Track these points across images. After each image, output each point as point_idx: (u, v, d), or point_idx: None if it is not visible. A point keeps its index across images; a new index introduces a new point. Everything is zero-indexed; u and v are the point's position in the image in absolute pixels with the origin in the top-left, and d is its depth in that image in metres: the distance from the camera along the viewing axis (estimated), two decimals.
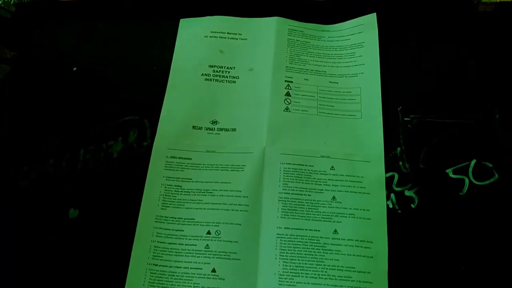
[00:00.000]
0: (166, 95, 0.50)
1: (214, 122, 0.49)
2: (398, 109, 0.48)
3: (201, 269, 0.42)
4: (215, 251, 0.42)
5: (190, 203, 0.45)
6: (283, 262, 0.41)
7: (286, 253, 0.42)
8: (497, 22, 0.53)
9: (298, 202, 0.44)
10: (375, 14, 0.52)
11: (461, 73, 0.50)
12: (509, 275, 0.42)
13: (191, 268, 0.42)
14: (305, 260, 0.41)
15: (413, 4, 0.53)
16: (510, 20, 0.53)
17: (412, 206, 0.43)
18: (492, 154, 0.45)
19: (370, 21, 0.52)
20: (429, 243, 0.43)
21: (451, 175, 0.44)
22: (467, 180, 0.44)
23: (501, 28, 0.52)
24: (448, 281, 0.42)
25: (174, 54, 0.53)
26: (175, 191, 0.45)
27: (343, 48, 0.53)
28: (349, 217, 0.43)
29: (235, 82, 0.51)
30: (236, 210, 0.44)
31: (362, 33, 0.52)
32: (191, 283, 0.41)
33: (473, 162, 0.45)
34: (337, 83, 0.51)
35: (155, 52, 0.54)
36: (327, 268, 0.41)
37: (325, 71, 0.52)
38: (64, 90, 0.52)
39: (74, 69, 0.54)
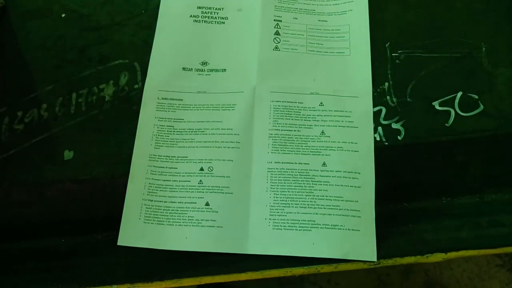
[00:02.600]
0: (155, 38, 0.50)
1: (204, 63, 0.49)
2: (386, 45, 0.49)
3: (195, 203, 0.43)
4: (208, 186, 0.44)
5: (183, 142, 0.46)
6: (274, 194, 0.43)
7: (277, 185, 0.43)
8: None
9: (288, 137, 0.45)
10: None
11: (450, 7, 0.50)
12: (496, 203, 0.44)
13: (185, 203, 0.43)
14: (295, 192, 0.43)
15: None
16: None
17: (399, 138, 0.44)
18: (478, 86, 0.46)
19: None
20: (415, 172, 0.45)
21: (437, 107, 0.45)
22: (453, 112, 0.45)
23: None
24: (432, 209, 0.45)
25: None
26: (167, 131, 0.46)
27: None
28: (337, 150, 0.44)
29: (224, 23, 0.51)
30: (228, 147, 0.45)
31: None
32: (186, 216, 0.43)
33: (459, 94, 0.46)
34: (326, 21, 0.51)
35: None
36: (316, 198, 0.43)
37: (314, 10, 0.51)
38: (54, 35, 0.52)
39: (63, 15, 0.53)
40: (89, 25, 0.53)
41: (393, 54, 0.48)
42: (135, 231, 0.42)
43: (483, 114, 0.45)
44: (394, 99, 0.46)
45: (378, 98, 0.46)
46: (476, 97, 0.45)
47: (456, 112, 0.45)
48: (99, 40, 0.52)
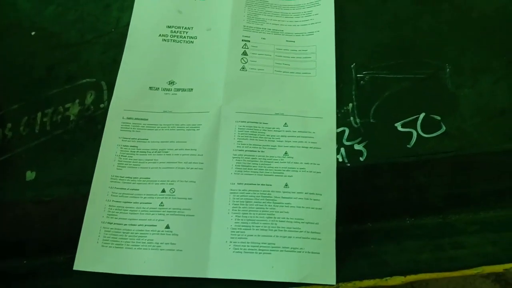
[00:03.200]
0: (123, 56, 0.50)
1: (171, 83, 0.49)
2: (352, 65, 0.49)
3: (155, 225, 0.43)
4: (169, 208, 0.44)
5: (146, 162, 0.46)
6: (236, 216, 0.43)
7: (239, 207, 0.43)
8: None
9: (252, 158, 0.45)
10: None
11: (415, 28, 0.51)
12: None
13: (145, 225, 0.43)
14: (257, 214, 0.43)
15: None
16: None
17: (361, 159, 0.44)
18: (441, 107, 0.46)
19: None
20: (377, 193, 0.45)
21: (400, 128, 0.45)
22: (415, 133, 0.45)
23: None
24: (395, 230, 0.45)
25: (132, 15, 0.53)
26: (131, 151, 0.46)
27: (301, 7, 0.53)
28: (300, 171, 0.44)
29: (193, 43, 0.51)
30: (191, 168, 0.45)
31: None
32: (145, 239, 0.42)
33: (422, 115, 0.46)
34: (294, 41, 0.51)
35: (114, 13, 0.54)
36: (277, 221, 0.43)
37: (283, 30, 0.52)
38: (23, 53, 0.52)
39: (33, 33, 0.54)
40: (59, 43, 0.53)
41: (358, 75, 0.48)
42: (93, 255, 0.42)
43: (445, 135, 0.45)
44: (358, 120, 0.46)
45: (342, 119, 0.46)
46: (439, 118, 0.46)
47: (418, 134, 0.45)
48: (68, 59, 0.52)
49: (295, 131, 0.46)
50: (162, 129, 0.47)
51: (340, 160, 0.45)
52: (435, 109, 0.46)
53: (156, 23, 0.52)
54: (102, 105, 0.49)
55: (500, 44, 0.49)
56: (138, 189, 0.45)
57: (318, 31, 0.51)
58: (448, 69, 0.48)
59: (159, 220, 0.43)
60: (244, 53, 0.50)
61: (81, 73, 0.50)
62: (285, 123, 0.46)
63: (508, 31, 0.50)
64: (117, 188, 0.45)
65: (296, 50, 0.50)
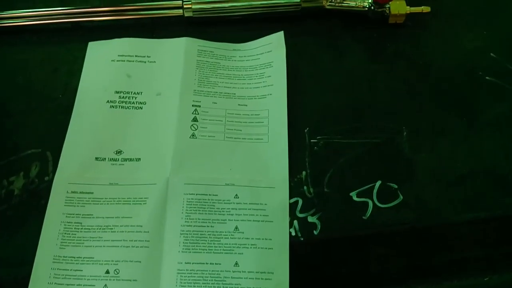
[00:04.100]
0: (70, 124, 0.48)
1: (119, 152, 0.47)
2: (305, 130, 0.47)
3: None
4: None
5: (90, 240, 0.43)
6: None
7: None
8: (409, 34, 0.52)
9: (201, 234, 0.43)
10: (282, 32, 0.51)
11: (371, 88, 0.49)
12: None
13: None
14: None
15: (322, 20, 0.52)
16: (421, 30, 0.52)
17: (315, 232, 0.42)
18: (398, 174, 0.44)
19: (278, 39, 0.51)
20: (334, 267, 0.42)
21: (355, 198, 0.43)
22: (371, 203, 0.43)
23: (412, 40, 0.52)
24: None
25: (80, 80, 0.51)
26: (74, 228, 0.44)
27: (253, 68, 0.51)
28: (251, 247, 0.42)
29: (142, 108, 0.50)
30: (137, 247, 0.42)
31: (271, 52, 0.51)
32: None
33: (378, 183, 0.44)
34: (246, 105, 0.49)
35: (62, 77, 0.53)
36: None
37: (235, 93, 0.50)
38: None
39: None
40: (5, 112, 0.51)
41: (311, 140, 0.47)
42: None
43: (403, 205, 0.43)
44: (311, 190, 0.44)
45: (295, 188, 0.44)
46: (396, 186, 0.44)
47: (374, 204, 0.43)
48: (14, 128, 0.50)
49: (246, 203, 0.44)
50: (108, 203, 0.45)
51: (293, 234, 0.42)
52: (391, 177, 0.44)
53: (104, 88, 0.50)
54: (46, 178, 0.46)
55: (459, 103, 0.48)
56: (81, 270, 0.42)
57: (270, 94, 0.49)
58: (405, 133, 0.46)
59: None
60: (195, 119, 0.48)
61: (27, 143, 0.48)
62: (236, 195, 0.44)
63: (467, 89, 0.49)
64: (60, 269, 0.42)
65: (248, 115, 0.49)
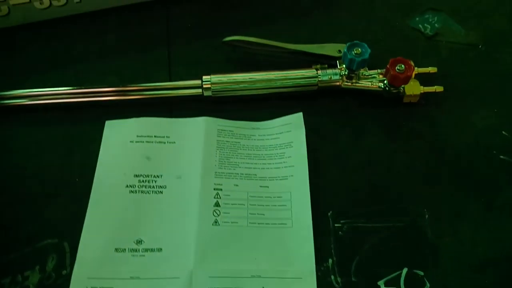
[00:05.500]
0: (87, 212, 0.47)
1: (139, 242, 0.46)
2: (329, 213, 0.47)
3: None
4: None
5: None
6: None
7: None
8: (422, 112, 0.53)
9: None
10: (301, 113, 0.52)
11: (389, 168, 0.50)
12: None
13: None
14: None
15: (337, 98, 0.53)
16: (435, 108, 0.53)
17: None
18: (423, 260, 0.45)
19: (297, 120, 0.51)
20: None
21: (383, 287, 0.43)
22: None
23: (426, 119, 0.53)
24: None
25: (98, 163, 0.50)
26: None
27: (273, 148, 0.51)
28: None
29: (162, 193, 0.49)
30: None
31: (291, 132, 0.51)
32: None
33: (405, 271, 0.44)
34: (268, 187, 0.49)
35: (78, 159, 0.51)
36: None
37: (256, 174, 0.50)
38: None
39: None
40: (17, 199, 0.49)
41: (336, 225, 0.47)
42: None
43: None
44: (339, 279, 0.44)
45: (322, 278, 0.44)
46: (422, 273, 0.44)
47: None
48: (28, 216, 0.48)
49: None
50: None
51: None
52: (417, 263, 0.44)
53: (123, 171, 0.49)
54: (64, 272, 0.45)
55: (476, 184, 0.49)
56: None
57: (292, 175, 0.49)
58: (427, 216, 0.47)
59: None
60: (217, 204, 0.48)
61: (42, 233, 0.47)
62: (263, 287, 0.44)
63: (483, 169, 0.50)
64: None
65: (270, 197, 0.48)
